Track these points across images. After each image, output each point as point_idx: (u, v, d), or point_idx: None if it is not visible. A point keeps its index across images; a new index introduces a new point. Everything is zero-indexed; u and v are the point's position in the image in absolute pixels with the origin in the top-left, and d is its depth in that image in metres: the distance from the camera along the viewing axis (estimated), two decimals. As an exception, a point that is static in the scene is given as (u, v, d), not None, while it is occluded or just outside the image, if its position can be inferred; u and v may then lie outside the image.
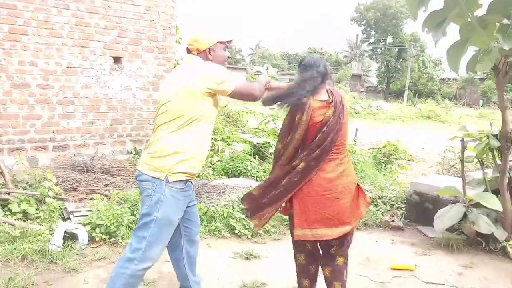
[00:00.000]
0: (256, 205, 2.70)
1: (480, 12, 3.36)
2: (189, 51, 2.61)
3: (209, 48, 2.56)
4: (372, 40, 57.64)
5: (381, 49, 55.39)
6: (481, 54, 3.52)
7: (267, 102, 2.62)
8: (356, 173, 2.99)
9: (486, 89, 37.56)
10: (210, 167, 6.45)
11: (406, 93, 41.25)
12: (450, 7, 3.29)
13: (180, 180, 2.44)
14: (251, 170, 6.42)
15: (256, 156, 7.24)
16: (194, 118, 2.42)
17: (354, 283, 3.43)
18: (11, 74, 5.34)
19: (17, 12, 5.32)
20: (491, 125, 4.32)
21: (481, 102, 38.08)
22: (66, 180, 5.14)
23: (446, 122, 21.99)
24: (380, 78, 56.03)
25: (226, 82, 2.47)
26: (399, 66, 51.52)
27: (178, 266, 2.80)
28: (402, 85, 45.94)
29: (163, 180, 2.40)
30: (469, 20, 3.32)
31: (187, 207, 2.63)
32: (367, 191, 5.68)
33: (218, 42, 2.59)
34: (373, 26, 54.92)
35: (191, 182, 2.55)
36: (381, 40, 55.50)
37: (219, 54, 2.59)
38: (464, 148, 4.37)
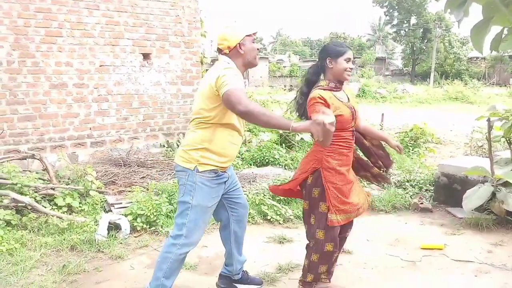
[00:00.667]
0: None
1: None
2: (220, 50, 2.68)
3: (239, 44, 2.63)
4: (395, 22, 56.45)
5: (405, 30, 54.24)
6: (505, 33, 3.57)
7: None
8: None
9: (517, 66, 36.49)
10: (238, 157, 6.63)
11: (432, 74, 40.43)
12: (471, -13, 3.34)
13: (210, 170, 2.60)
14: (278, 158, 6.58)
15: (283, 144, 7.38)
16: (215, 117, 2.56)
17: (385, 263, 3.57)
18: (49, 75, 5.65)
19: (52, 15, 5.60)
20: (517, 104, 4.33)
21: (511, 81, 36.99)
22: (105, 174, 5.42)
23: (475, 102, 21.57)
24: (405, 61, 54.96)
25: (225, 84, 2.41)
26: (424, 47, 50.38)
27: (226, 244, 3.01)
28: (428, 67, 44.99)
29: (193, 170, 2.59)
30: (492, -1, 3.37)
31: (230, 191, 2.83)
32: (395, 175, 5.76)
33: (246, 36, 2.65)
34: (396, 7, 53.76)
35: (223, 171, 2.69)
36: (405, 21, 54.32)
37: (249, 47, 2.66)
38: (490, 127, 4.41)
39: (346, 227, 2.94)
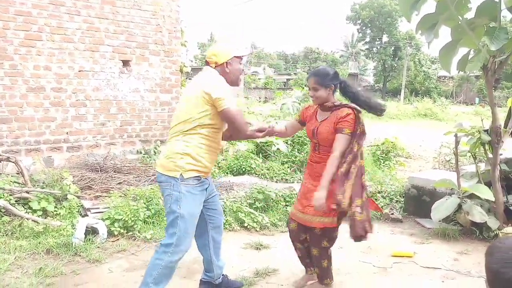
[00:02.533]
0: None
1: (469, 15, 3.65)
2: (207, 63, 2.82)
3: (227, 62, 2.78)
4: (367, 39, 57.99)
5: (377, 47, 55.75)
6: (472, 54, 3.81)
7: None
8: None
9: (482, 86, 37.91)
10: (215, 165, 6.71)
11: (402, 91, 41.60)
12: (441, 10, 3.57)
13: (194, 177, 2.67)
14: (255, 168, 6.69)
15: (260, 154, 7.50)
16: (200, 124, 2.65)
17: (357, 269, 3.71)
18: (27, 78, 5.60)
19: (32, 18, 5.57)
20: (482, 121, 4.60)
21: (477, 100, 38.43)
22: (81, 179, 5.40)
23: (443, 120, 22.31)
24: (377, 77, 56.40)
25: (224, 99, 2.61)
26: (395, 65, 51.85)
27: (204, 251, 3.07)
28: (398, 84, 46.30)
29: (178, 178, 2.63)
30: (459, 22, 3.61)
31: (208, 198, 2.91)
32: (367, 186, 5.95)
33: (234, 56, 2.81)
34: (369, 25, 55.30)
35: (205, 178, 2.79)
36: (377, 39, 55.86)
37: (235, 67, 2.82)
38: (457, 142, 4.65)
39: (308, 245, 3.18)
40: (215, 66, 2.78)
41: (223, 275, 3.20)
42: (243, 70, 2.92)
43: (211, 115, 2.66)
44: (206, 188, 2.82)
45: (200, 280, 3.21)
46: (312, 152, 3.12)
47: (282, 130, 3.31)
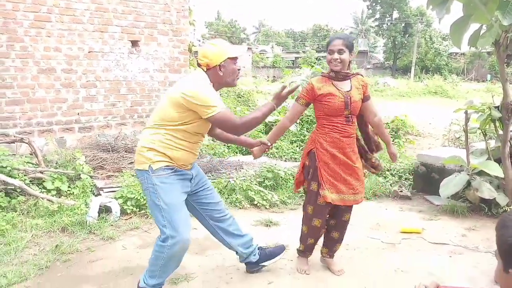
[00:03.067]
0: None
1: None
2: (199, 64, 2.64)
3: (220, 65, 2.58)
4: (377, 16, 57.03)
5: (387, 24, 54.84)
6: (484, 30, 3.76)
7: None
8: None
9: (494, 63, 37.26)
10: (225, 145, 6.76)
11: (413, 69, 41.07)
12: (453, -15, 3.51)
13: (164, 166, 2.56)
14: (264, 147, 6.71)
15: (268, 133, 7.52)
16: (172, 124, 2.53)
17: (366, 245, 3.77)
18: (37, 60, 5.65)
19: (41, 0, 5.58)
20: (493, 97, 4.57)
21: (489, 77, 37.82)
22: (93, 159, 5.49)
23: (453, 97, 22.07)
24: (387, 54, 55.61)
25: (210, 106, 2.46)
26: (405, 42, 51.04)
27: (218, 239, 3.07)
28: (409, 61, 45.63)
29: (148, 170, 2.55)
30: (472, -2, 3.55)
31: (198, 190, 2.81)
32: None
33: (228, 58, 2.60)
34: (379, 1, 54.28)
35: (182, 169, 2.65)
36: (387, 16, 54.91)
37: (229, 69, 2.63)
38: (467, 119, 4.64)
39: (343, 211, 3.14)
40: (207, 69, 2.61)
41: (259, 248, 3.20)
42: (239, 69, 2.71)
43: (186, 120, 2.53)
44: (190, 179, 2.73)
45: (244, 263, 3.22)
46: (343, 127, 2.95)
47: (287, 127, 3.18)
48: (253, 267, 3.21)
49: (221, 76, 2.62)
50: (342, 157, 2.97)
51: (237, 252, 3.12)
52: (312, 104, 3.05)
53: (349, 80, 2.98)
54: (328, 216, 3.15)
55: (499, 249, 1.12)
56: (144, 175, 2.58)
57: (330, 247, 3.29)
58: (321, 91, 2.94)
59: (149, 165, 2.55)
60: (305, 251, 3.28)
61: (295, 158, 6.48)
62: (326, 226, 3.22)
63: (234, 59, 2.65)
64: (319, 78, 3.03)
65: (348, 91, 2.94)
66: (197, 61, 2.67)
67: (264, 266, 3.23)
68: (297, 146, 6.89)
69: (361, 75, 3.09)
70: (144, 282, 2.73)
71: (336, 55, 2.88)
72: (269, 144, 2.95)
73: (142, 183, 2.65)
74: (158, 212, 2.59)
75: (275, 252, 3.25)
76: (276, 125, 7.52)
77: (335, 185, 2.98)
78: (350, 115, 2.95)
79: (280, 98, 2.74)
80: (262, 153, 3.09)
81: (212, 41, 2.69)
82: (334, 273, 3.24)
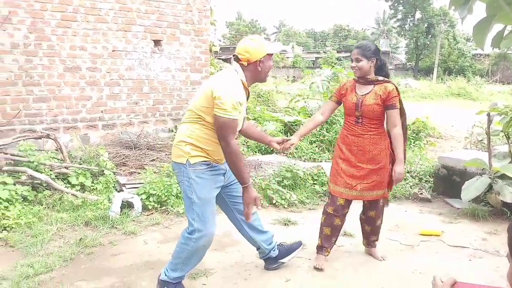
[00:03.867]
0: None
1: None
2: (238, 59, 2.67)
3: (259, 60, 2.65)
4: (400, 16, 56.31)
5: (409, 25, 54.11)
6: (508, 30, 3.73)
7: None
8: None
9: (520, 64, 36.42)
10: (244, 144, 6.82)
11: (435, 70, 40.45)
12: (477, -15, 3.49)
13: (201, 161, 2.63)
14: (283, 147, 6.73)
15: (288, 134, 7.55)
16: (204, 117, 2.59)
17: (384, 246, 3.77)
18: (64, 59, 5.81)
19: (67, 0, 5.73)
20: (517, 100, 4.51)
21: (514, 79, 36.99)
22: (116, 156, 5.61)
23: (477, 99, 21.66)
24: (409, 55, 54.84)
25: (225, 109, 2.48)
26: (428, 43, 50.27)
27: (242, 234, 3.12)
28: (431, 62, 44.96)
29: (186, 164, 2.62)
30: (496, -2, 3.52)
31: (228, 185, 2.88)
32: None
33: (267, 54, 2.67)
34: (401, 1, 53.59)
35: (217, 163, 2.72)
36: (410, 16, 54.17)
37: (267, 65, 2.70)
38: (490, 122, 4.58)
39: (366, 207, 3.43)
40: (247, 64, 2.65)
41: (278, 244, 3.27)
42: (273, 66, 2.79)
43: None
44: (224, 173, 2.79)
45: (263, 260, 3.29)
46: (351, 126, 3.23)
47: (320, 121, 3.42)
48: (271, 263, 3.26)
49: (259, 72, 2.69)
50: (347, 153, 3.25)
51: (259, 248, 3.18)
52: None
53: (372, 85, 3.18)
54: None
55: (510, 250, 1.12)
56: (181, 168, 2.66)
57: (367, 239, 3.57)
58: (344, 90, 3.30)
59: (187, 159, 2.62)
60: (322, 247, 3.37)
61: (315, 158, 6.49)
62: (360, 219, 3.52)
63: (272, 55, 2.73)
64: (350, 80, 3.36)
65: (364, 95, 3.16)
66: (235, 55, 2.69)
67: (283, 263, 3.29)
68: (316, 146, 6.90)
69: (392, 83, 3.19)
70: (165, 275, 2.80)
71: (354, 63, 3.18)
72: (291, 141, 3.21)
73: (178, 175, 2.72)
74: (189, 204, 2.68)
75: (292, 247, 3.33)
76: (294, 124, 7.59)
77: (340, 179, 3.25)
78: (360, 117, 3.18)
79: (252, 193, 2.67)
80: (283, 149, 3.22)
81: (251, 37, 2.74)
82: (378, 259, 3.51)
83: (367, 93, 3.15)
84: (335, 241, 3.41)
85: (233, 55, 2.72)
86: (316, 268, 3.31)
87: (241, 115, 2.66)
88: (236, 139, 2.61)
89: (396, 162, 3.18)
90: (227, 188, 2.91)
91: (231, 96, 2.51)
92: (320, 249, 3.38)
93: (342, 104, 3.34)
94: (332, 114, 4.11)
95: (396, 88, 3.17)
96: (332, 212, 3.28)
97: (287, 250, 3.30)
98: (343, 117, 3.49)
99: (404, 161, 3.27)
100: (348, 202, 3.29)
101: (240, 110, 2.58)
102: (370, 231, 3.50)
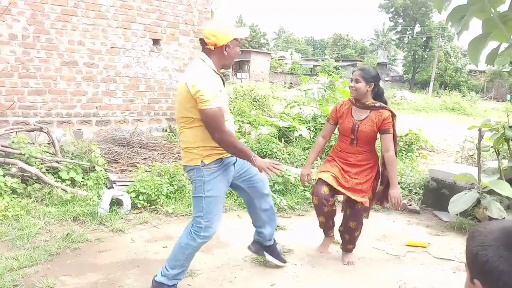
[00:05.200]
0: None
1: (503, 8, 3.60)
2: (204, 43, 2.61)
3: (226, 45, 2.59)
4: (399, 29, 56.78)
5: (408, 37, 54.56)
6: (503, 48, 3.78)
7: None
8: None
9: (514, 82, 36.76)
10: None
11: (431, 84, 40.75)
12: (473, 1, 3.53)
13: (215, 160, 2.68)
14: (276, 152, 6.77)
15: (282, 139, 7.58)
16: (194, 118, 2.58)
17: (371, 255, 3.80)
18: (61, 52, 5.81)
19: (68, -6, 5.75)
20: (508, 116, 4.56)
21: (508, 96, 37.33)
22: (108, 152, 5.61)
23: (471, 115, 21.85)
24: (406, 68, 55.29)
25: (205, 100, 2.49)
26: (426, 56, 50.68)
27: (255, 218, 3.18)
28: (428, 76, 45.31)
29: (201, 165, 2.66)
30: (491, 15, 3.56)
31: (242, 173, 2.92)
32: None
33: (234, 39, 2.63)
34: (401, 14, 54.04)
35: (227, 157, 2.74)
36: (409, 29, 54.63)
37: (233, 50, 2.65)
38: (481, 137, 4.63)
39: (348, 219, 3.52)
40: (214, 48, 2.58)
41: (276, 242, 3.32)
42: (239, 53, 2.75)
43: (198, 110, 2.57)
44: (234, 163, 2.83)
45: (253, 240, 3.35)
46: (346, 145, 3.40)
47: (323, 145, 3.62)
48: (256, 248, 3.33)
49: (225, 57, 2.63)
50: (339, 163, 3.41)
51: (260, 233, 3.22)
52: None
53: (369, 111, 3.30)
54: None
55: (467, 260, 1.16)
56: (194, 169, 2.70)
57: (344, 245, 3.64)
58: (341, 113, 3.43)
59: (201, 160, 2.66)
60: (325, 231, 3.62)
61: (306, 164, 6.51)
62: (339, 230, 3.60)
63: (238, 41, 2.68)
64: (346, 100, 3.49)
65: (360, 120, 3.31)
66: (202, 39, 2.63)
67: (264, 256, 3.34)
68: (309, 152, 6.93)
69: (389, 109, 3.31)
70: (162, 275, 2.80)
71: (353, 83, 3.30)
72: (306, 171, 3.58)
73: (191, 175, 2.77)
74: (199, 202, 2.72)
75: (280, 256, 3.38)
76: (288, 130, 7.62)
77: (327, 171, 3.39)
78: (355, 139, 3.34)
79: (260, 162, 2.69)
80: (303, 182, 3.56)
81: (218, 21, 2.74)
82: (343, 262, 3.59)
83: (364, 119, 3.30)
84: (333, 223, 3.58)
85: (200, 39, 2.67)
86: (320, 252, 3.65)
87: (224, 100, 2.68)
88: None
89: (391, 186, 3.34)
90: (241, 177, 2.94)
91: (208, 87, 2.50)
92: (325, 233, 3.63)
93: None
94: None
95: (392, 114, 3.30)
96: (317, 203, 3.38)
97: (276, 253, 3.35)
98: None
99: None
100: (332, 193, 3.37)
101: (221, 97, 2.58)
102: (348, 240, 3.58)
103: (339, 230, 3.63)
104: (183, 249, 2.78)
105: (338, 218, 3.61)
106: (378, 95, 3.38)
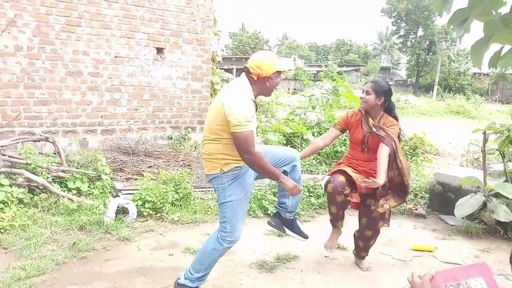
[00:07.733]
0: None
1: (504, 10, 3.60)
2: (249, 72, 2.73)
3: (268, 76, 2.72)
4: (402, 33, 56.73)
5: (411, 41, 54.50)
6: (505, 51, 3.78)
7: None
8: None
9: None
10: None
11: (435, 87, 40.63)
12: (474, 4, 3.54)
13: (234, 167, 2.75)
14: (282, 158, 6.76)
15: (288, 145, 7.57)
16: (224, 135, 2.67)
17: (377, 260, 3.79)
18: (66, 63, 5.86)
19: (73, 5, 5.80)
20: (512, 119, 4.55)
21: (513, 98, 37.12)
22: (113, 161, 5.63)
23: (476, 118, 21.72)
24: (410, 72, 55.13)
25: (238, 125, 2.57)
26: (429, 60, 50.58)
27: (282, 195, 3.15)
28: (432, 80, 45.14)
29: (220, 172, 2.75)
30: (492, 18, 3.57)
31: (273, 163, 2.88)
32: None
33: (276, 71, 2.74)
34: (404, 18, 54.01)
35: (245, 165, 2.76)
36: (412, 33, 54.58)
37: (275, 81, 2.78)
38: (485, 140, 4.62)
39: (365, 227, 3.53)
40: (257, 79, 2.72)
41: (297, 217, 3.29)
42: (280, 82, 2.88)
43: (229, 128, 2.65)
44: (248, 169, 2.83)
45: (273, 214, 3.33)
46: (358, 153, 3.44)
47: (320, 147, 3.58)
48: (277, 222, 3.24)
49: (267, 87, 2.77)
50: (346, 168, 3.38)
51: (282, 204, 3.16)
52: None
53: (374, 121, 3.34)
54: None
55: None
56: (216, 178, 2.79)
57: (358, 252, 3.68)
58: (350, 123, 3.45)
59: (221, 168, 2.74)
60: (334, 222, 3.50)
61: (311, 170, 6.51)
62: (354, 236, 3.65)
63: (280, 72, 2.79)
64: (356, 111, 3.50)
65: (370, 133, 3.33)
66: (247, 69, 2.75)
67: (284, 231, 3.27)
68: (313, 158, 6.93)
69: (397, 125, 3.33)
70: (186, 278, 2.87)
71: (363, 94, 3.32)
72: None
73: (213, 184, 2.86)
74: (223, 208, 2.81)
75: (301, 232, 3.26)
76: (293, 135, 7.62)
77: (343, 164, 3.46)
78: (367, 149, 3.38)
79: (288, 182, 2.79)
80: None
81: (264, 53, 2.82)
82: (362, 270, 3.62)
83: (372, 131, 3.31)
84: (344, 214, 3.47)
85: (244, 67, 2.78)
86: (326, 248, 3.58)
87: (254, 125, 2.75)
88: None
89: (378, 174, 3.20)
90: (272, 163, 2.92)
91: (243, 111, 2.59)
92: (333, 224, 3.53)
93: (346, 132, 3.55)
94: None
95: (399, 128, 3.35)
96: (332, 191, 3.29)
97: (297, 228, 3.26)
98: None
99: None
100: (348, 184, 3.29)
101: (252, 122, 2.67)
102: (362, 247, 3.60)
103: (354, 235, 3.64)
104: (209, 254, 2.86)
105: (349, 222, 3.60)
106: (388, 109, 3.38)
